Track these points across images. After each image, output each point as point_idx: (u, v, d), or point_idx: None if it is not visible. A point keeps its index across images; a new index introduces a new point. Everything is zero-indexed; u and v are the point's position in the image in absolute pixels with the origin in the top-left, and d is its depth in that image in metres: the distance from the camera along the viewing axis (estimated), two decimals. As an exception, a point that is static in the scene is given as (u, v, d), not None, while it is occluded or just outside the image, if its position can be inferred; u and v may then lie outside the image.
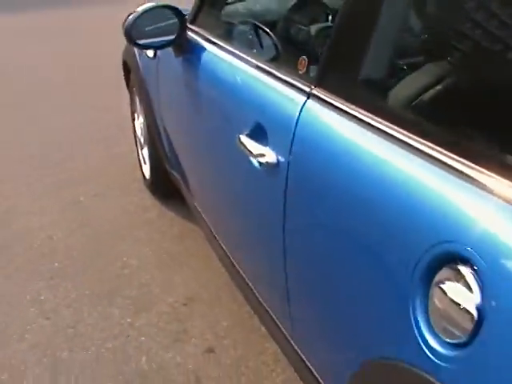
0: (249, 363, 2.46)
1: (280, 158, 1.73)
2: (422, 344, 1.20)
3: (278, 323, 2.01)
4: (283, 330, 1.97)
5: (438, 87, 1.45)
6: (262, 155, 1.79)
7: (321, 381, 1.76)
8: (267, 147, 1.79)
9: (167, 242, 3.25)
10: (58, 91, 5.36)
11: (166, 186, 3.44)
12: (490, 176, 1.11)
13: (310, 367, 1.82)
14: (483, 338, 1.07)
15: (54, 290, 2.95)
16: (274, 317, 2.05)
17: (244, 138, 1.88)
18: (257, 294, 2.17)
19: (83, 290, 2.94)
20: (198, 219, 2.83)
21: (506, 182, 1.08)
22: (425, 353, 1.19)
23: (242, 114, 2.00)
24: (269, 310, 2.07)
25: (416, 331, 1.21)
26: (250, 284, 2.23)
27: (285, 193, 1.72)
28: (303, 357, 1.86)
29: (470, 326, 1.09)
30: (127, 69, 3.74)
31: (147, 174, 3.68)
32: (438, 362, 1.16)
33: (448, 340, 1.15)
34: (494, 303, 1.06)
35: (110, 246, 3.25)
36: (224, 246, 2.47)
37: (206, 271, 2.99)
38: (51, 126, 4.79)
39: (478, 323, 1.07)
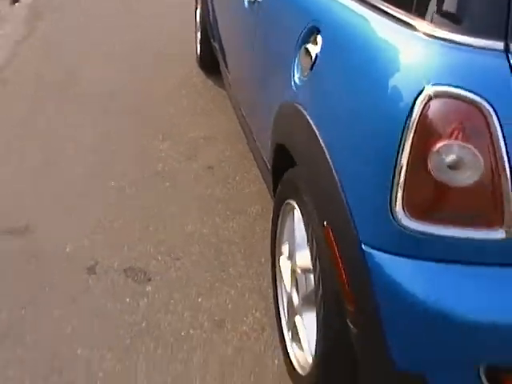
0: (236, 177, 3.26)
1: (255, -4, 2.50)
2: (293, 83, 1.95)
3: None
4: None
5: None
6: (247, -6, 2.56)
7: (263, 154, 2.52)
8: (251, -11, 2.56)
9: (202, 100, 4.06)
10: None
11: (210, 60, 4.22)
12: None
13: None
14: (315, 70, 1.82)
15: (107, 119, 3.81)
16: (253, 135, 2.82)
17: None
18: (250, 127, 2.91)
19: (128, 122, 3.78)
20: (225, 80, 3.60)
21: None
22: (293, 89, 1.94)
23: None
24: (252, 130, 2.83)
25: (292, 81, 1.96)
26: (247, 120, 2.97)
27: (256, 18, 2.49)
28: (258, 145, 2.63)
29: (310, 64, 1.84)
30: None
31: (198, 51, 4.48)
32: (298, 91, 1.91)
33: (303, 78, 1.89)
34: (323, 53, 1.80)
35: (157, 98, 4.07)
36: (234, 92, 3.24)
37: (224, 121, 3.77)
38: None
39: (314, 62, 1.82)
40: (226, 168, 3.34)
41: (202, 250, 2.76)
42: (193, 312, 2.42)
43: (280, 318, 2.20)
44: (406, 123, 1.42)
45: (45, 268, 2.63)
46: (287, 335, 2.12)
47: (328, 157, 1.66)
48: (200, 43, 4.39)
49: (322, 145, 1.69)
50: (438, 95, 1.40)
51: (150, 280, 2.58)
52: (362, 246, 1.52)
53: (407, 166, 1.42)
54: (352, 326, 1.61)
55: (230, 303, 2.47)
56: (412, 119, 1.41)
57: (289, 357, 2.09)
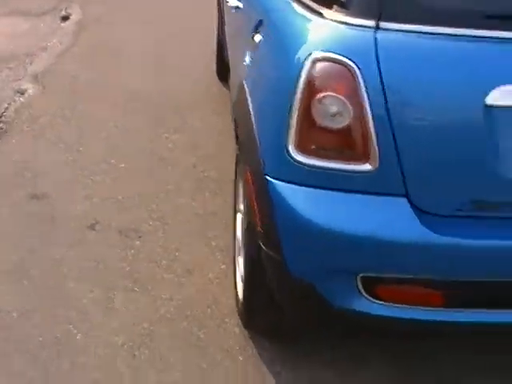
0: (232, 164, 3.72)
1: (238, 3, 2.98)
2: (245, 66, 2.41)
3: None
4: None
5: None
6: (229, 1, 3.05)
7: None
8: (235, -1, 3.05)
9: (215, 104, 4.55)
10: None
11: (224, 71, 4.71)
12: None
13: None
14: (255, 53, 2.28)
15: (127, 116, 4.33)
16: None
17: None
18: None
19: (151, 115, 4.29)
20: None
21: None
22: (245, 70, 2.40)
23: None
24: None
25: (245, 64, 2.42)
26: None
27: (241, 21, 2.97)
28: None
29: (254, 49, 2.30)
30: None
31: (215, 64, 4.99)
32: (246, 71, 2.37)
33: (249, 60, 2.36)
34: (261, 38, 2.26)
35: (175, 101, 4.59)
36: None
37: (230, 121, 4.23)
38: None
39: (256, 47, 2.28)
40: (224, 156, 3.81)
41: (188, 218, 3.22)
42: (170, 262, 2.88)
43: (235, 263, 2.63)
44: (297, 80, 1.86)
45: (53, 224, 3.13)
46: (238, 274, 2.56)
47: (252, 116, 2.12)
48: (216, 57, 4.91)
49: (250, 108, 2.15)
50: (321, 59, 1.84)
51: (139, 237, 3.05)
52: (266, 177, 1.96)
53: (297, 112, 1.86)
54: (262, 246, 2.04)
55: (203, 258, 2.93)
56: (301, 76, 1.85)
57: (237, 290, 2.52)
